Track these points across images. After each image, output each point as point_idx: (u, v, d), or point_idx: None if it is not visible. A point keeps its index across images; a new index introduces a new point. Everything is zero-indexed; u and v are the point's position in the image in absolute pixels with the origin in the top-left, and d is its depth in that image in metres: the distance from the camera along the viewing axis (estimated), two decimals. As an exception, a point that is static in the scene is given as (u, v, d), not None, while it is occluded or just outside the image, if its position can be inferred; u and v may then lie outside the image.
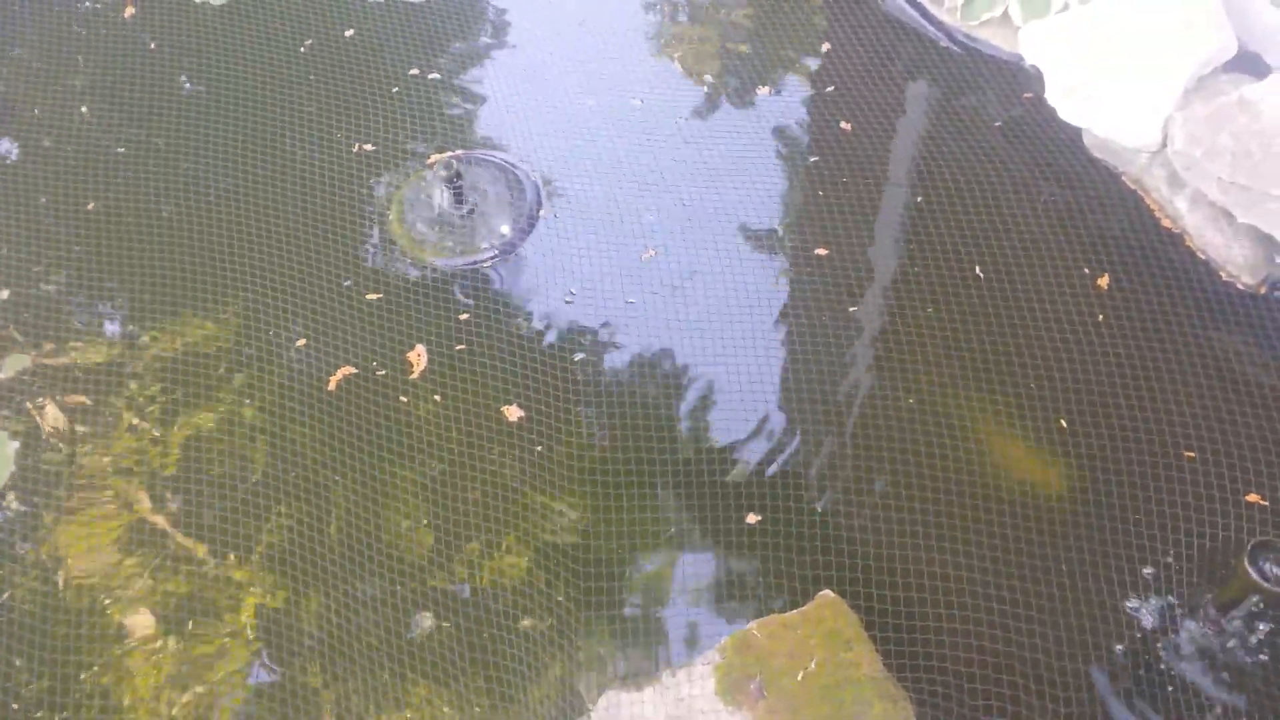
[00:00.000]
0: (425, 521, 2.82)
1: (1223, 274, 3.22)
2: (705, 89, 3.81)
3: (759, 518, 2.81)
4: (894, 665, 2.53)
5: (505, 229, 3.36)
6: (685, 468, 2.89)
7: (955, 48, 3.86)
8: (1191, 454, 2.85)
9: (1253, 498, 2.76)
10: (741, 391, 3.04)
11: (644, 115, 3.72)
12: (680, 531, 2.80)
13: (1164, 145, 3.28)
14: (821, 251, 3.34)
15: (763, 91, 3.79)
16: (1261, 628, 2.52)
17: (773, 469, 2.90)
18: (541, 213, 3.42)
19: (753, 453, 2.92)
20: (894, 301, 3.21)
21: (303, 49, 3.94)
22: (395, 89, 3.81)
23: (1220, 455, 2.84)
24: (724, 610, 2.70)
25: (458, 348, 3.11)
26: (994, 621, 2.61)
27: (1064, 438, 2.90)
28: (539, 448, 2.92)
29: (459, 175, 3.30)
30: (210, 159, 3.62)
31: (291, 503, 2.86)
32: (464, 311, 3.19)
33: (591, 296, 3.23)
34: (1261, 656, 2.51)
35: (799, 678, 2.46)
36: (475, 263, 3.29)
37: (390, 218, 3.43)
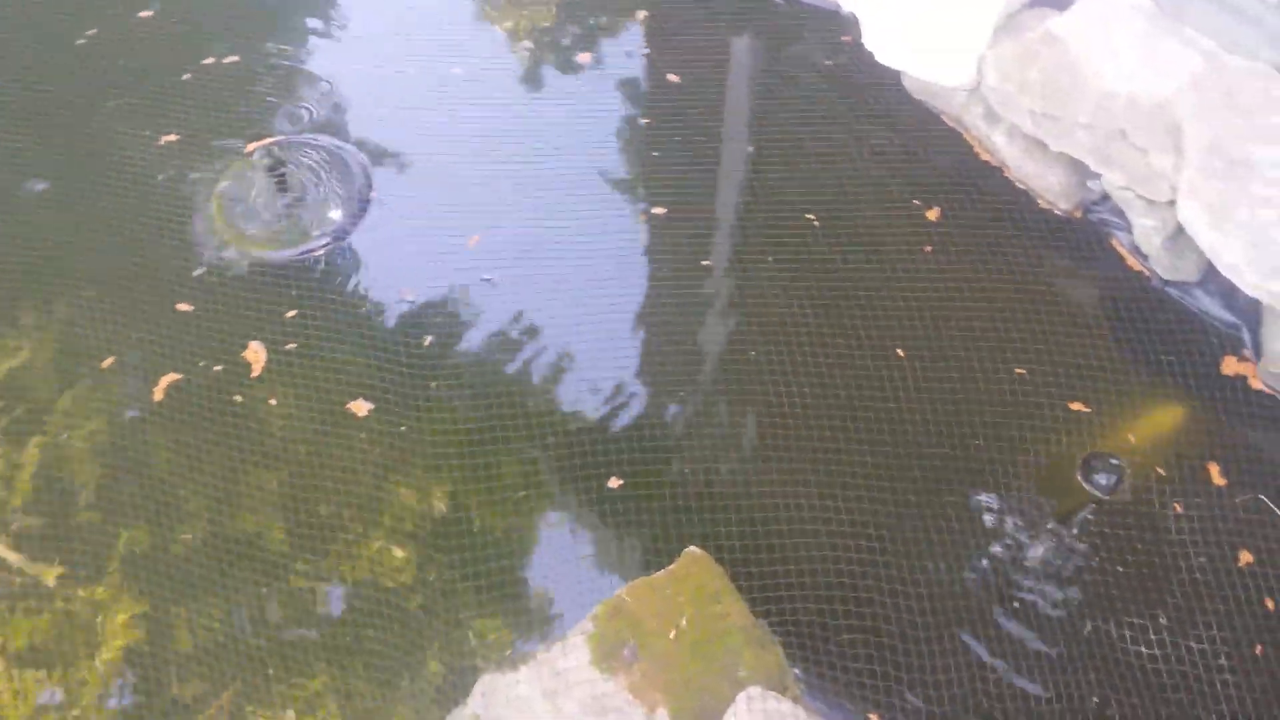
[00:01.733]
0: (286, 521, 2.73)
1: (1040, 201, 3.36)
2: (530, 55, 3.76)
3: (621, 481, 2.81)
4: (761, 611, 2.57)
5: (335, 214, 3.25)
6: (546, 439, 2.87)
7: (780, 1, 3.90)
8: (1022, 370, 2.97)
9: (1077, 405, 2.90)
10: (596, 356, 3.03)
11: (472, 85, 3.65)
12: (546, 503, 2.79)
13: (979, 83, 3.38)
14: (659, 210, 3.34)
15: (586, 56, 3.76)
16: (1096, 534, 2.66)
17: (632, 431, 2.90)
18: (373, 194, 3.32)
19: (612, 416, 2.92)
20: (736, 254, 3.25)
21: (83, 39, 3.71)
22: (203, 73, 3.63)
23: (1048, 371, 2.97)
24: (594, 578, 2.70)
25: (288, 346, 3.00)
26: (851, 557, 2.67)
27: (903, 366, 2.98)
28: (395, 433, 2.85)
29: (281, 162, 3.18)
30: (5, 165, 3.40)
31: (141, 518, 2.72)
32: (298, 305, 3.08)
33: (432, 275, 3.16)
34: (1097, 561, 2.64)
35: (671, 636, 2.48)
36: (306, 252, 3.18)
37: (212, 212, 3.28)
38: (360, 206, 3.28)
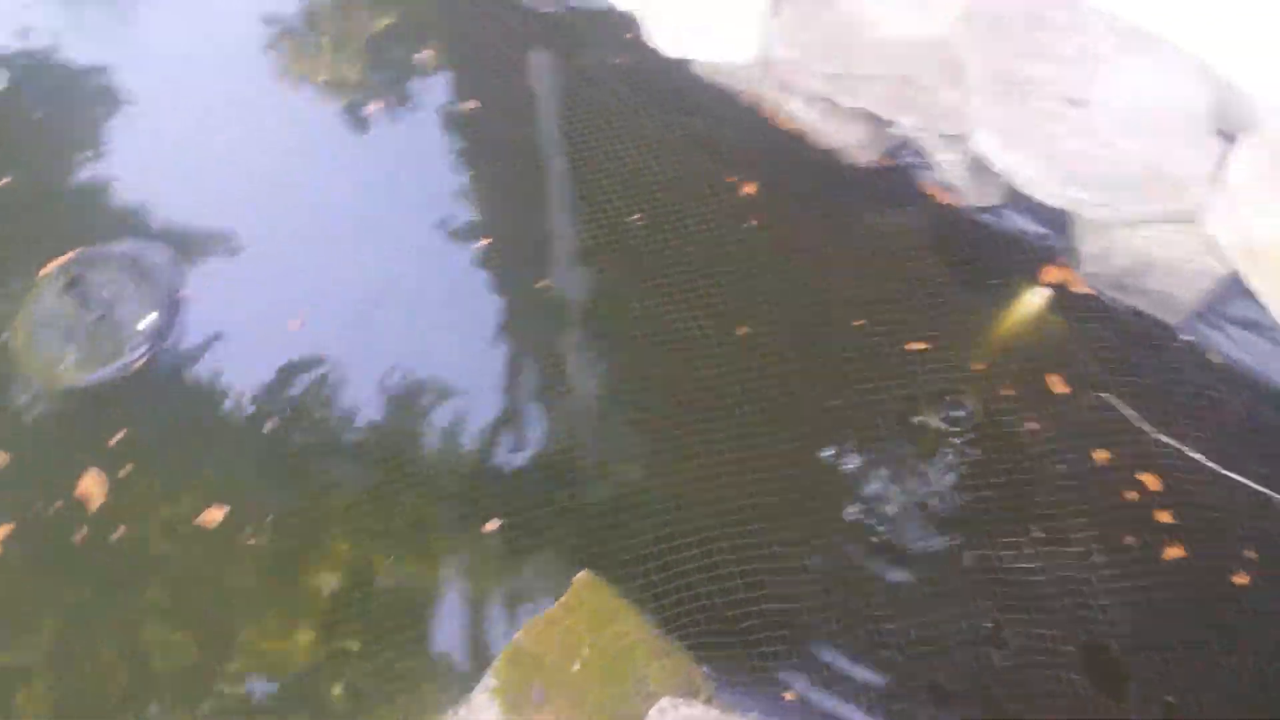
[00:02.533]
0: (173, 640, 2.62)
1: (848, 157, 3.43)
2: (329, 113, 3.68)
3: (498, 522, 2.78)
4: (660, 620, 2.57)
5: (148, 321, 3.12)
6: (414, 496, 2.82)
7: (556, 10, 3.90)
8: (860, 321, 3.04)
9: (918, 345, 2.98)
10: (448, 404, 2.98)
11: (274, 155, 3.55)
12: (428, 563, 2.73)
13: (766, 55, 3.44)
14: (485, 242, 3.31)
15: (384, 104, 3.70)
16: (958, 464, 2.74)
17: (498, 469, 2.87)
18: (184, 292, 3.21)
19: (476, 459, 2.88)
20: (570, 269, 3.23)
21: None
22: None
23: (885, 316, 3.04)
24: (489, 628, 2.66)
25: (121, 473, 2.87)
26: (735, 543, 2.69)
27: (748, 342, 3.01)
28: (261, 525, 2.76)
29: (79, 279, 3.04)
30: None
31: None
32: (125, 424, 2.95)
33: (263, 360, 3.06)
34: (965, 491, 2.72)
35: (575, 669, 2.46)
36: (124, 367, 3.05)
37: (16, 346, 3.12)
38: (172, 307, 3.16)
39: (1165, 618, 2.49)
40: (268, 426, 2.95)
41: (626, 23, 3.76)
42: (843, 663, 2.50)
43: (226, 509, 2.81)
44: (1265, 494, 2.71)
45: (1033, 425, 2.83)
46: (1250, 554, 2.59)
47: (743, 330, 3.05)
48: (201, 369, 3.06)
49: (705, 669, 2.53)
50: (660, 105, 3.59)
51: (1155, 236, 3.01)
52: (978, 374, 2.91)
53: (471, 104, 3.65)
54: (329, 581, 2.71)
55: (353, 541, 2.76)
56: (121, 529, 2.79)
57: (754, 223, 3.28)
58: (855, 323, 3.04)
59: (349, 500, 2.82)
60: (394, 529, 2.77)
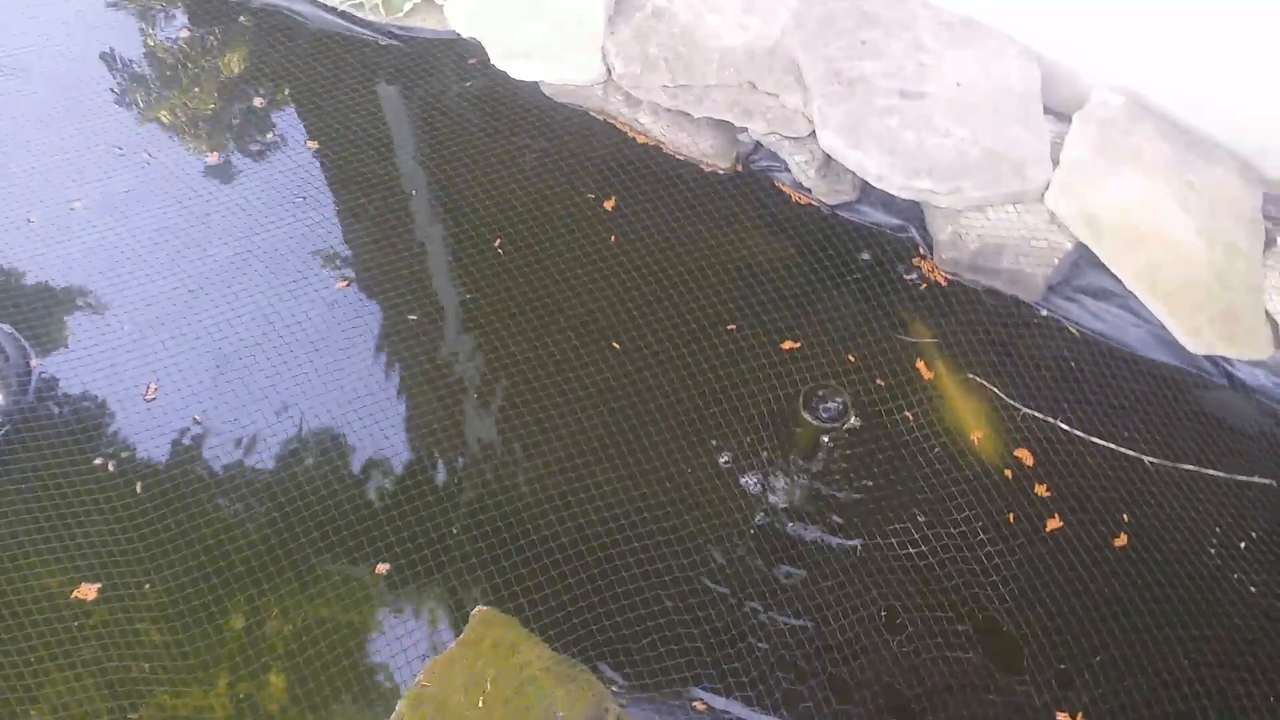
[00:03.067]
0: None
1: (704, 166, 3.47)
2: (175, 161, 3.55)
3: (388, 565, 2.71)
4: (561, 645, 2.54)
5: (-3, 398, 2.96)
6: (300, 544, 2.72)
7: (397, 42, 3.85)
8: (732, 326, 3.07)
9: (789, 344, 3.03)
10: (326, 447, 2.90)
11: (116, 210, 3.41)
12: (320, 613, 2.64)
13: (609, 73, 3.46)
14: (344, 284, 3.24)
15: (227, 152, 3.60)
16: (840, 458, 2.79)
17: (382, 510, 2.80)
18: (33, 363, 3.05)
19: (357, 501, 2.81)
20: (436, 300, 3.18)
21: None
22: None
23: (755, 319, 3.08)
24: (389, 674, 2.59)
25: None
26: (629, 560, 2.68)
27: (623, 357, 3.02)
28: (136, 595, 2.63)
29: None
30: None
31: None
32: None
33: (124, 426, 2.93)
34: (849, 484, 2.77)
35: (480, 705, 2.41)
36: (-25, 446, 2.88)
37: None
38: (21, 383, 2.99)
39: (1052, 588, 2.57)
40: (138, 488, 2.82)
41: (471, 49, 3.74)
42: (747, 667, 2.51)
43: (98, 585, 2.67)
44: (1134, 456, 2.83)
45: (906, 413, 2.89)
46: (1125, 516, 2.70)
47: (615, 345, 3.04)
48: (58, 441, 2.90)
49: (613, 689, 2.51)
50: (513, 128, 3.58)
51: (1003, 218, 3.13)
52: (850, 367, 2.97)
53: (315, 144, 3.57)
54: (228, 639, 2.60)
55: (244, 596, 2.65)
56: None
57: (615, 238, 3.28)
58: (728, 328, 3.07)
59: (234, 553, 2.70)
60: (284, 578, 2.68)
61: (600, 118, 3.60)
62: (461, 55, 3.77)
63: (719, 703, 2.47)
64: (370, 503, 2.81)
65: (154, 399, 2.97)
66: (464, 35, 3.72)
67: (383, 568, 2.72)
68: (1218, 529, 2.67)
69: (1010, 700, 2.41)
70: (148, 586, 2.67)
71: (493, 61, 3.59)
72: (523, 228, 3.30)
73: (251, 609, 2.64)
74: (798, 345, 3.02)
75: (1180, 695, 2.42)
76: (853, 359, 3.01)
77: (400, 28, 3.87)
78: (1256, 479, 2.78)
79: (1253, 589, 2.56)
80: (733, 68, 3.32)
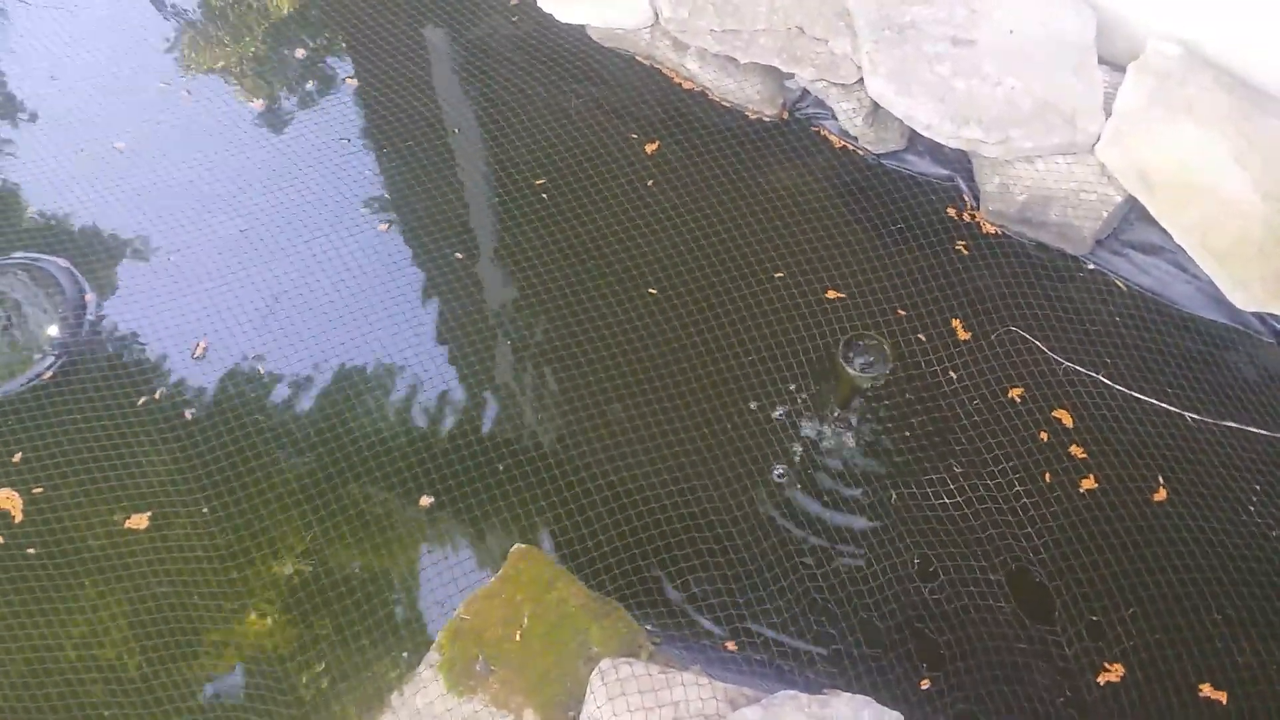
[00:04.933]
0: (130, 650, 2.58)
1: (749, 112, 3.45)
2: (226, 107, 3.60)
3: (431, 499, 2.77)
4: (598, 583, 2.59)
5: (53, 331, 3.04)
6: (345, 479, 2.79)
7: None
8: (781, 273, 3.07)
9: (832, 294, 3.02)
10: (372, 384, 2.96)
11: (170, 155, 3.47)
12: (365, 544, 2.72)
13: (656, 17, 3.43)
14: (383, 227, 3.27)
15: (261, 101, 3.64)
16: (880, 409, 2.80)
17: (427, 444, 2.85)
18: (88, 298, 3.13)
19: (404, 436, 2.87)
20: (482, 242, 3.21)
21: None
22: None
23: (802, 268, 3.08)
24: (429, 606, 2.66)
25: (36, 490, 2.81)
26: (665, 501, 2.71)
27: (661, 303, 3.03)
28: (198, 520, 2.72)
29: (-23, 295, 2.95)
30: None
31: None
32: (35, 439, 2.88)
33: (180, 356, 3.01)
34: (886, 434, 2.78)
35: (517, 638, 2.47)
36: (33, 378, 2.97)
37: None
38: (78, 316, 3.08)
39: (1086, 542, 2.57)
40: (189, 415, 2.90)
41: (520, -10, 3.74)
42: (779, 611, 2.54)
43: (148, 516, 2.76)
44: (1175, 412, 2.80)
45: (947, 366, 2.89)
46: (1163, 473, 2.68)
47: (653, 290, 3.05)
48: (114, 375, 2.99)
49: (648, 627, 2.55)
50: (558, 71, 3.58)
51: (1052, 170, 3.09)
52: (893, 319, 2.97)
53: (357, 82, 3.60)
54: (276, 569, 2.68)
55: (280, 533, 2.73)
56: (31, 550, 2.73)
57: (656, 183, 3.28)
58: (776, 275, 3.06)
59: (283, 488, 2.78)
60: (330, 513, 2.75)
61: (646, 63, 3.59)
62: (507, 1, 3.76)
63: (752, 646, 2.50)
64: (414, 438, 2.87)
65: (204, 350, 3.04)
66: (511, -24, 3.71)
67: (426, 500, 2.78)
68: (1258, 487, 2.65)
69: (1040, 650, 2.43)
70: (205, 511, 2.75)
71: (539, 4, 3.58)
72: (565, 170, 3.31)
73: (299, 541, 2.71)
74: (841, 295, 3.02)
75: (1213, 650, 2.42)
76: (901, 312, 2.99)
77: (448, -31, 3.87)
78: (1302, 438, 2.75)
79: (1292, 547, 2.55)
80: (781, 12, 3.28)
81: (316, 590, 2.66)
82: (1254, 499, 2.63)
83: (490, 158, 3.38)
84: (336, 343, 3.04)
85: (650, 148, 3.35)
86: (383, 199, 3.33)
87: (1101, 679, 2.39)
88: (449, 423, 2.89)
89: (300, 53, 3.77)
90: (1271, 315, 2.95)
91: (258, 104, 3.61)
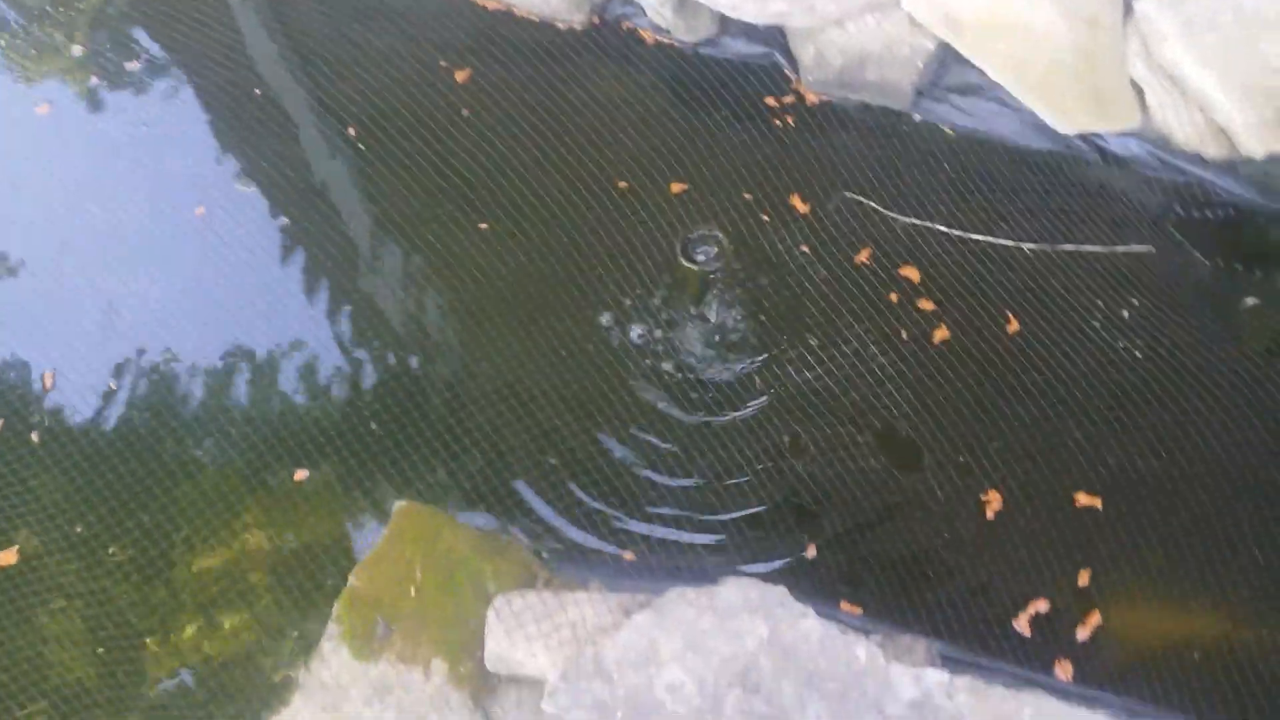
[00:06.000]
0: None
1: (559, 24, 3.38)
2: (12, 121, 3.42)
3: (306, 471, 2.73)
4: (487, 520, 2.59)
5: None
6: (214, 460, 2.74)
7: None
8: (624, 183, 3.04)
9: (676, 187, 3.00)
10: (230, 364, 2.88)
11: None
12: (246, 523, 2.67)
13: (445, -60, 3.32)
14: (199, 211, 3.16)
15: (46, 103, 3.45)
16: (732, 296, 2.81)
17: (295, 416, 2.80)
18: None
19: (268, 410, 2.81)
20: (303, 203, 3.12)
21: None
22: None
23: (645, 173, 3.04)
24: (320, 578, 2.63)
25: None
26: (527, 422, 2.71)
27: (496, 236, 2.99)
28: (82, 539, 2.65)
29: None
30: None
31: None
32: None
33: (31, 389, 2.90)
34: (742, 320, 2.79)
35: (412, 594, 2.47)
36: None
37: None
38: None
39: (945, 389, 2.64)
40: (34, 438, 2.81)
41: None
42: (667, 511, 2.57)
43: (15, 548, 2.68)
44: (1013, 245, 2.86)
45: (792, 241, 2.90)
46: (1012, 306, 2.75)
47: (484, 225, 3.00)
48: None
49: (543, 554, 2.57)
50: (358, 11, 3.45)
51: (863, 29, 3.09)
52: (740, 204, 2.96)
53: (139, 64, 3.44)
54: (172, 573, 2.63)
55: (161, 517, 2.67)
56: None
57: (472, 111, 3.20)
58: (620, 184, 3.03)
59: (156, 485, 2.72)
60: (209, 504, 2.69)
61: (449, -12, 3.48)
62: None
63: (648, 551, 2.53)
64: (278, 415, 2.81)
65: (53, 381, 2.93)
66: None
67: (301, 474, 2.73)
68: (1100, 302, 2.73)
69: (914, 499, 2.50)
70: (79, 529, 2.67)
71: (326, -53, 3.44)
72: (377, 114, 3.22)
73: (174, 541, 2.65)
74: (685, 187, 3.00)
75: (1081, 462, 2.51)
76: (747, 195, 2.98)
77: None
78: (1134, 247, 2.83)
79: (1137, 354, 2.64)
80: (570, -85, 3.20)
81: (199, 589, 2.61)
82: (1097, 315, 2.71)
83: (298, 115, 3.27)
84: (181, 338, 2.94)
85: (461, 76, 3.26)
86: (195, 181, 3.20)
87: (989, 511, 2.47)
88: (310, 393, 2.84)
89: (78, 47, 3.57)
90: (1093, 134, 3.01)
91: (43, 108, 3.42)
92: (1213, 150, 2.92)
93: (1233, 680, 2.26)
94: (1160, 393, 2.59)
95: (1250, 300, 2.77)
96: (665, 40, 3.33)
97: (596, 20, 3.39)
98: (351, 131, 3.21)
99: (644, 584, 2.46)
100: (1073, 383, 2.62)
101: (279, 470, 2.74)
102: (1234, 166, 2.94)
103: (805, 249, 2.89)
